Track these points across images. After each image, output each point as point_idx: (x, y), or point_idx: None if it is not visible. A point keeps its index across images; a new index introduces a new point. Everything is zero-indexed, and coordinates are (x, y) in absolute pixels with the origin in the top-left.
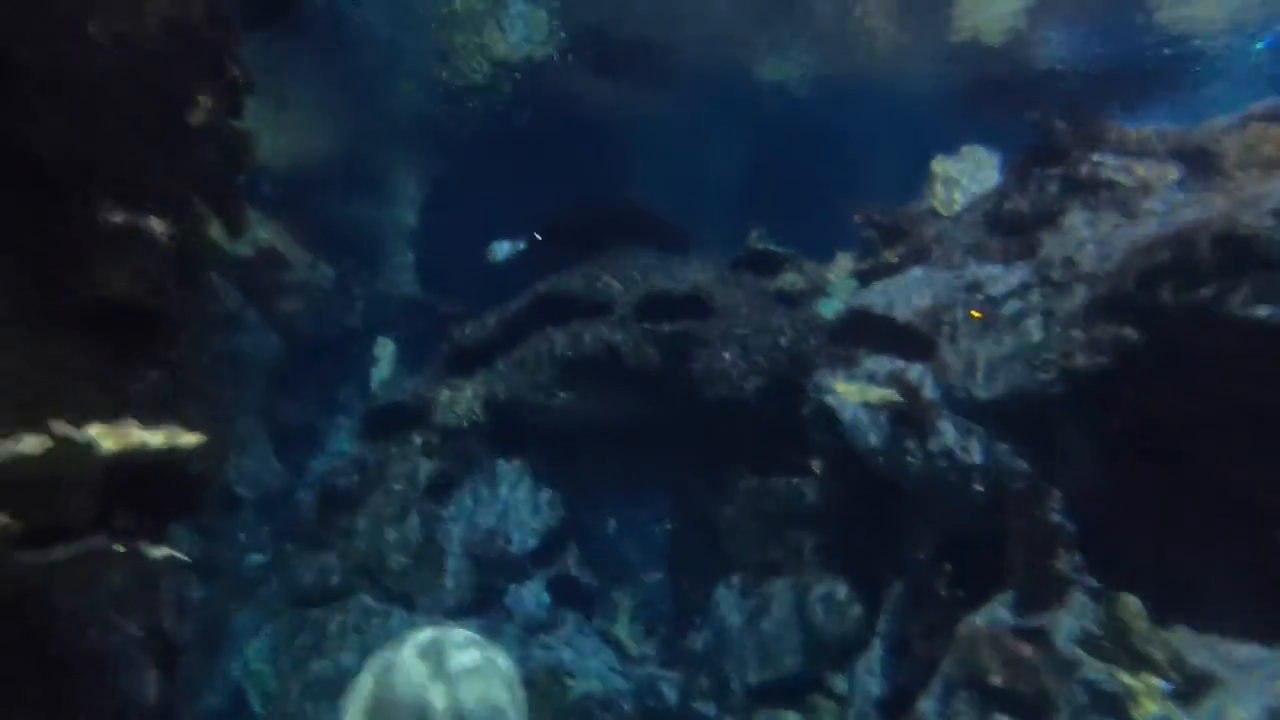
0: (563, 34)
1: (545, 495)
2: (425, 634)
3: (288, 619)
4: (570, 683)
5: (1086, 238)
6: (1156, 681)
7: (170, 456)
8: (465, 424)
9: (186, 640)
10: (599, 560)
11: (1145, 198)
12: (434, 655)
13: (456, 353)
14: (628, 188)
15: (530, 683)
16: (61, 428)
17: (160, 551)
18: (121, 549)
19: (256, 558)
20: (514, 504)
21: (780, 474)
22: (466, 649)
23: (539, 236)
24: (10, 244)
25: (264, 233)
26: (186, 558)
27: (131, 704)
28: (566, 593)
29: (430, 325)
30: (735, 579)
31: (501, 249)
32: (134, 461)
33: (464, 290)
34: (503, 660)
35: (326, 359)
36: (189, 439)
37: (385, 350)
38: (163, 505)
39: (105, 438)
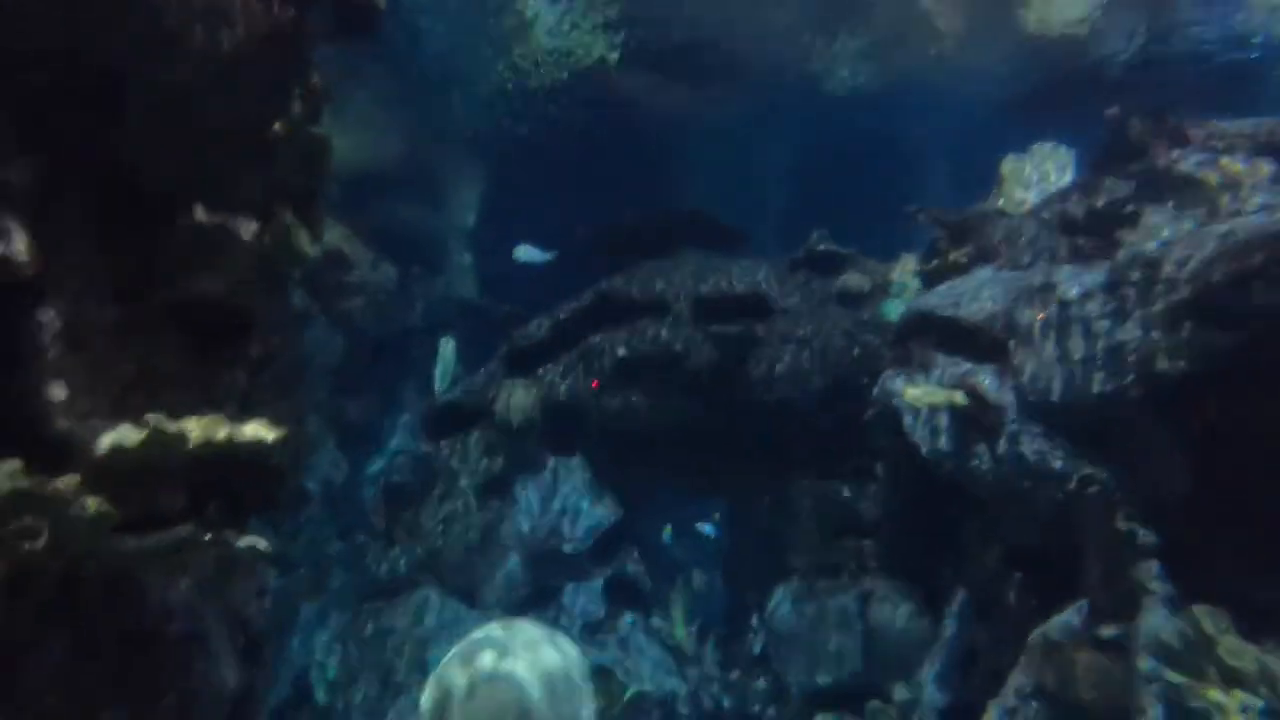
0: (621, 37)
1: (602, 496)
2: (497, 629)
3: (352, 611)
4: (626, 683)
5: (1168, 237)
6: (1249, 698)
7: (255, 450)
8: (523, 424)
9: (267, 629)
10: (655, 561)
11: (1233, 195)
12: (505, 649)
13: (515, 353)
14: (687, 191)
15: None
16: (157, 420)
17: (245, 541)
18: (209, 537)
19: (326, 550)
20: (571, 504)
21: (841, 479)
22: (540, 644)
23: (558, 252)
24: (108, 247)
25: (329, 234)
26: (269, 547)
27: (214, 688)
28: (622, 593)
29: (488, 327)
30: (793, 582)
31: (526, 253)
32: (221, 454)
33: (522, 293)
34: (572, 650)
35: (388, 358)
36: (273, 433)
37: (446, 349)
38: (246, 497)
39: (196, 430)
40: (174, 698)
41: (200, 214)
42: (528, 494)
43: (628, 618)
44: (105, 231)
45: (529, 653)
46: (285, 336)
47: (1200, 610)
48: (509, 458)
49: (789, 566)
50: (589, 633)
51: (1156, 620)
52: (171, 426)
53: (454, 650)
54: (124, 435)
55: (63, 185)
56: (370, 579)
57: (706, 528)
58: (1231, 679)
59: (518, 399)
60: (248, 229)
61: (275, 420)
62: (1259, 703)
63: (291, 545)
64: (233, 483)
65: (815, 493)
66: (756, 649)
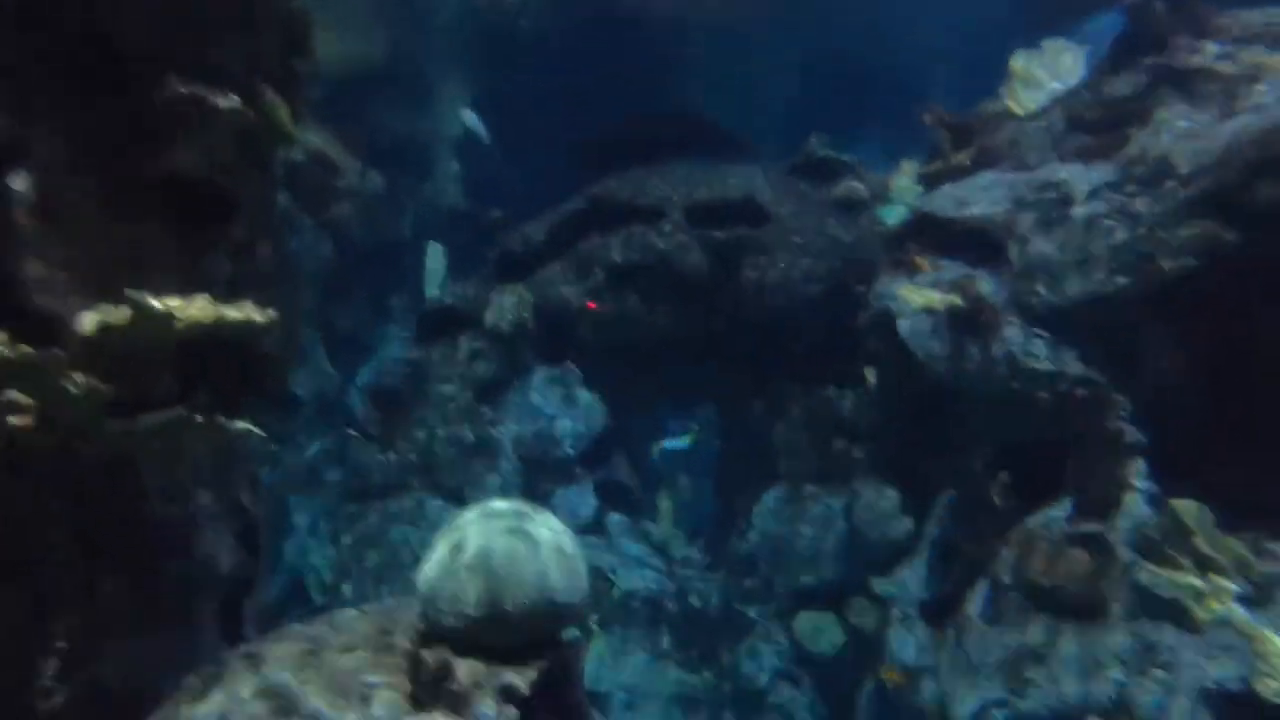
0: None
1: (593, 401)
2: (503, 503)
3: (344, 513)
4: (615, 581)
5: (1183, 131)
6: (1224, 583)
7: (245, 333)
8: (515, 329)
9: (261, 516)
10: (644, 467)
11: (1255, 87)
12: (517, 515)
13: (506, 259)
14: (687, 93)
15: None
16: (141, 298)
17: (237, 426)
18: (201, 421)
19: (315, 447)
20: (563, 409)
21: (832, 385)
22: (543, 517)
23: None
24: (84, 123)
25: (314, 137)
26: (262, 433)
27: (212, 571)
28: (613, 496)
29: (478, 234)
30: (782, 486)
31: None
32: (211, 336)
33: (513, 200)
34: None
35: (377, 267)
36: (263, 316)
37: (436, 257)
38: (238, 384)
39: (183, 310)
40: (173, 578)
41: (178, 84)
42: (519, 399)
43: (617, 521)
44: (80, 102)
45: (536, 521)
46: (271, 222)
47: (1181, 504)
48: (500, 363)
49: (778, 471)
50: (580, 535)
51: (1138, 514)
52: (158, 305)
53: (466, 515)
54: (109, 314)
55: (34, 51)
56: (362, 482)
57: (676, 443)
58: (1206, 567)
59: (508, 305)
60: (228, 102)
61: (267, 304)
62: (1233, 587)
63: (283, 450)
64: (223, 370)
65: (806, 399)
66: (744, 551)
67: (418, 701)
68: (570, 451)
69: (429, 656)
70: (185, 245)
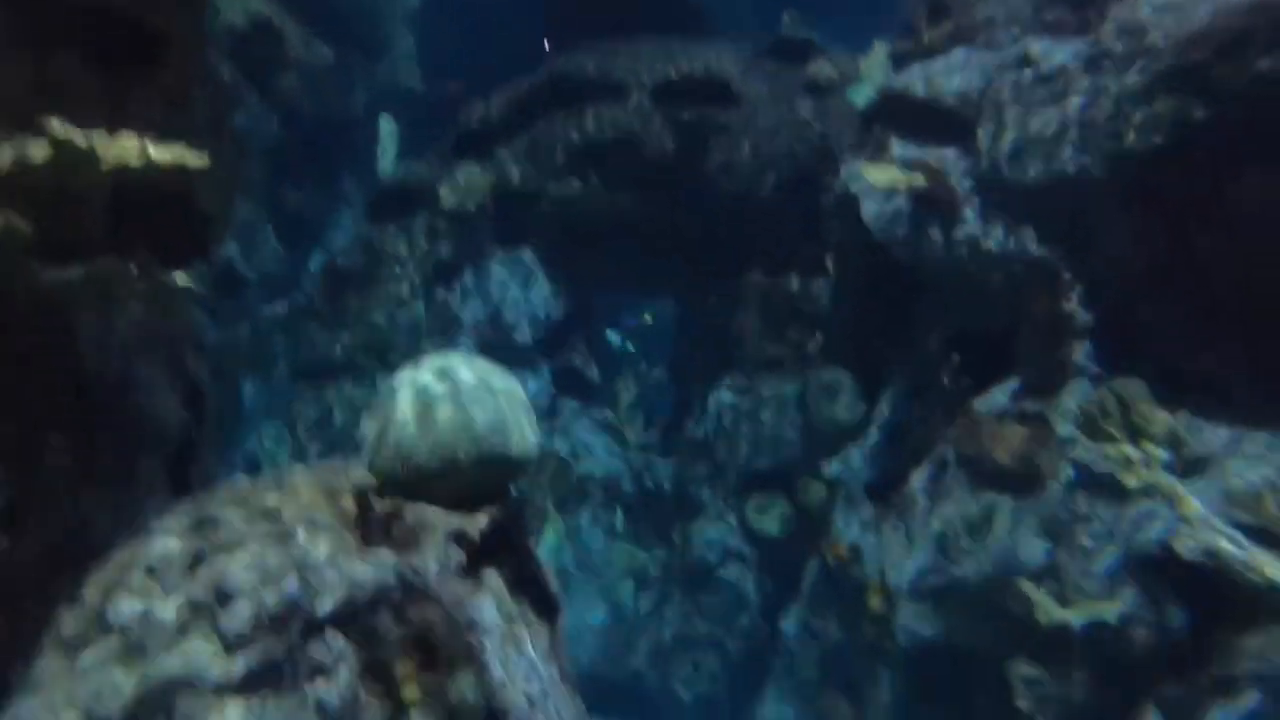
0: None
1: (552, 286)
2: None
3: (298, 397)
4: (571, 464)
5: (1162, 3)
6: (1155, 450)
7: (178, 180)
8: (472, 209)
9: (206, 380)
10: (602, 354)
11: None
12: (446, 371)
13: (464, 135)
14: None
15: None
16: (62, 130)
17: (174, 280)
18: (136, 272)
19: (265, 328)
20: (520, 293)
21: (792, 271)
22: (488, 369)
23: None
24: None
25: (254, 2)
26: (200, 289)
27: (155, 431)
28: (570, 383)
29: (433, 111)
30: (739, 373)
31: None
32: (142, 185)
33: (472, 77)
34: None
35: (328, 146)
36: (195, 159)
37: (389, 132)
38: (174, 238)
39: (109, 149)
40: (113, 437)
41: None
42: (476, 282)
43: (574, 406)
44: None
45: (484, 373)
46: (204, 69)
47: (1123, 381)
48: (457, 244)
49: (736, 359)
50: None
51: (1081, 393)
52: (80, 138)
53: (412, 368)
54: (27, 148)
55: None
56: (315, 363)
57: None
58: (1140, 439)
59: (466, 183)
60: None
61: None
62: (1163, 454)
63: (233, 331)
64: (159, 220)
65: (766, 286)
66: (698, 436)
67: (365, 540)
68: (528, 337)
69: (376, 502)
70: (110, 85)
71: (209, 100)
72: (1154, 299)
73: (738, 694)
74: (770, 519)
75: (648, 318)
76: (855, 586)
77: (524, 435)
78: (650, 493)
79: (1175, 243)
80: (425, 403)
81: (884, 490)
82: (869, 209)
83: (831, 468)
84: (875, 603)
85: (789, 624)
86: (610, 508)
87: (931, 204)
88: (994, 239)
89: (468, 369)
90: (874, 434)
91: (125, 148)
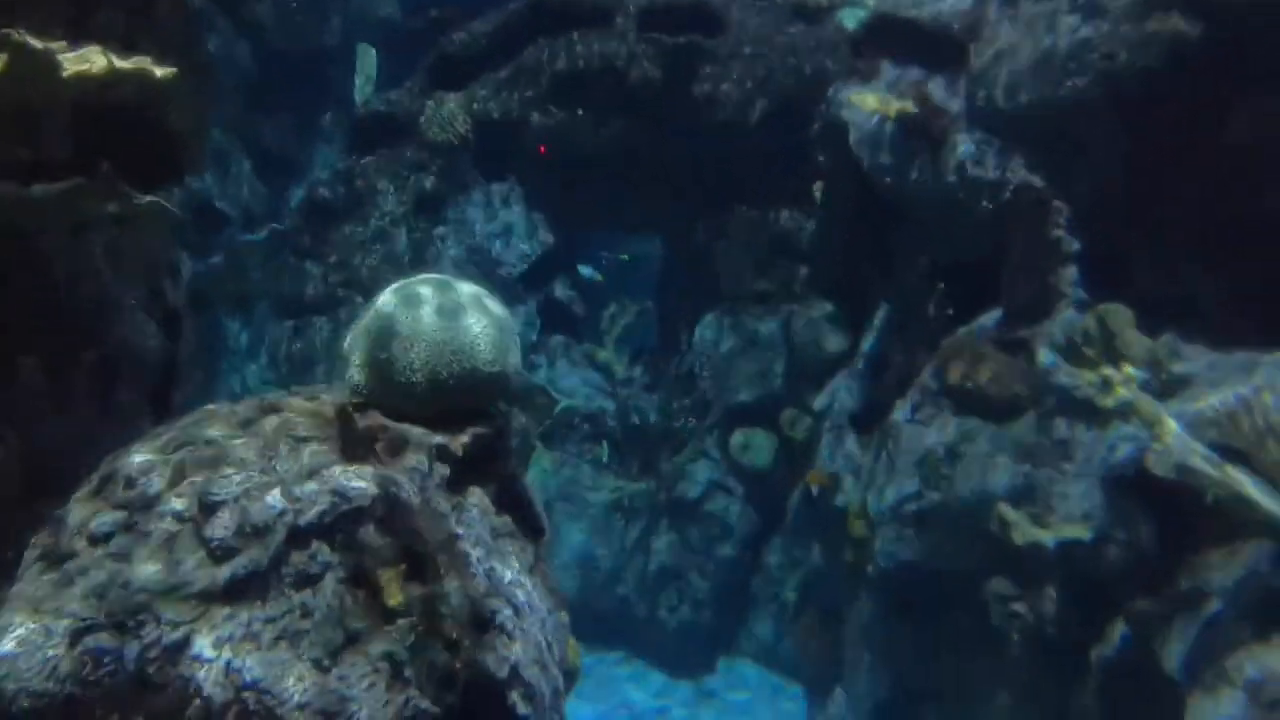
0: None
1: (536, 219)
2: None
3: (282, 331)
4: (557, 398)
5: None
6: (1133, 371)
7: (146, 97)
8: (454, 140)
9: (184, 305)
10: (588, 288)
11: None
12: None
13: (444, 63)
14: None
15: (517, 396)
16: (19, 36)
17: (145, 200)
18: (104, 192)
19: (246, 263)
20: (504, 226)
21: (779, 204)
22: (469, 287)
23: None
24: None
25: None
26: (173, 212)
27: (135, 356)
28: (554, 317)
29: (412, 41)
30: (724, 307)
31: None
32: (106, 98)
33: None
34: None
35: (304, 78)
36: (161, 71)
37: (366, 58)
38: (145, 159)
39: (70, 59)
40: (90, 360)
41: None
42: (459, 215)
43: (559, 341)
44: None
45: (466, 292)
46: None
47: (1107, 307)
48: (439, 176)
49: (722, 293)
50: (521, 355)
51: (1066, 320)
52: (38, 46)
53: (396, 287)
54: None
55: None
56: (298, 297)
57: (644, 255)
58: (1120, 361)
59: (447, 113)
60: None
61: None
62: (1139, 374)
63: (213, 268)
64: (126, 143)
65: (753, 218)
66: (684, 370)
67: (349, 455)
68: (512, 271)
69: (359, 419)
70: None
71: (177, 16)
72: (1142, 224)
73: (722, 621)
74: (756, 452)
75: (624, 258)
76: (837, 514)
77: (507, 353)
78: (636, 427)
79: (1166, 167)
80: (407, 320)
81: (868, 420)
82: (857, 136)
83: (817, 400)
84: (857, 528)
85: (772, 552)
86: (596, 441)
87: (920, 130)
88: (984, 165)
89: (450, 287)
90: (859, 365)
91: (87, 58)
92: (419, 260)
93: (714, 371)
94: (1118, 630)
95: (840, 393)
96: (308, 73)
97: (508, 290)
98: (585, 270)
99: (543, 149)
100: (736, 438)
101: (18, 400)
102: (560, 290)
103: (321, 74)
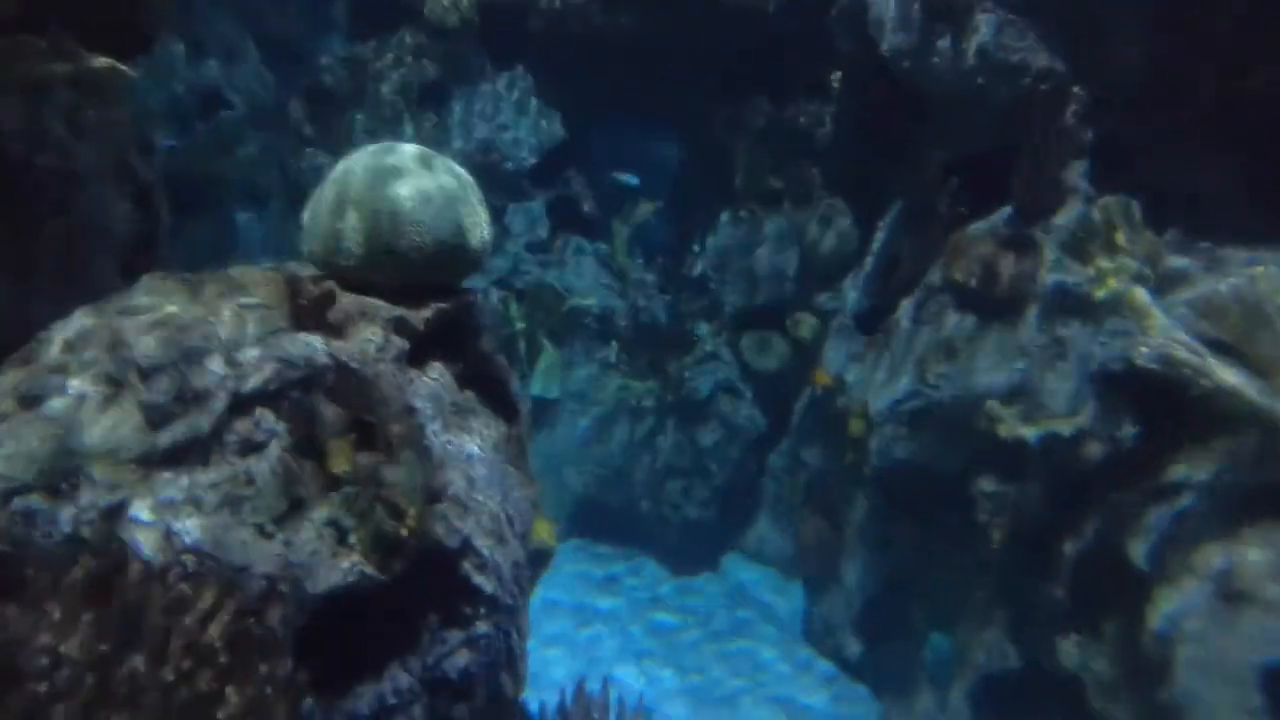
0: None
1: (546, 111)
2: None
3: (293, 225)
4: (565, 296)
5: None
6: (1128, 262)
7: None
8: (459, 24)
9: (157, 179)
10: (600, 185)
11: None
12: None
13: None
14: None
15: (525, 294)
16: None
17: (97, 61)
18: (54, 52)
19: (253, 152)
20: (512, 118)
21: (797, 98)
22: (437, 159)
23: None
24: None
25: None
26: (130, 74)
27: (102, 226)
28: (565, 215)
29: None
30: (739, 207)
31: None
32: None
33: None
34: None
35: None
36: None
37: None
38: (108, 25)
39: None
40: (56, 233)
41: None
42: (465, 105)
43: (570, 240)
44: None
45: (432, 161)
46: None
47: (1110, 200)
48: (444, 64)
49: (737, 192)
50: (530, 252)
51: (1073, 214)
52: None
53: (359, 152)
54: None
55: None
56: (302, 188)
57: (629, 179)
58: (1118, 254)
59: None
60: None
61: None
62: (1133, 264)
63: (223, 162)
64: (83, 5)
65: (768, 112)
66: (697, 272)
67: (300, 325)
68: (522, 165)
69: (313, 289)
70: None
71: None
72: (1156, 114)
73: (728, 520)
74: (765, 354)
75: (628, 180)
76: (839, 414)
77: (468, 225)
78: (646, 327)
79: (1186, 54)
80: (362, 185)
81: (875, 321)
82: (876, 16)
83: (827, 301)
84: (856, 428)
85: (778, 453)
86: (605, 341)
87: (942, 9)
88: (1003, 49)
89: (408, 154)
90: (869, 265)
91: None
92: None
93: (725, 273)
94: (1091, 524)
95: (849, 293)
96: None
97: (516, 186)
98: (624, 177)
99: None
100: (747, 339)
101: None
102: (572, 186)
103: None
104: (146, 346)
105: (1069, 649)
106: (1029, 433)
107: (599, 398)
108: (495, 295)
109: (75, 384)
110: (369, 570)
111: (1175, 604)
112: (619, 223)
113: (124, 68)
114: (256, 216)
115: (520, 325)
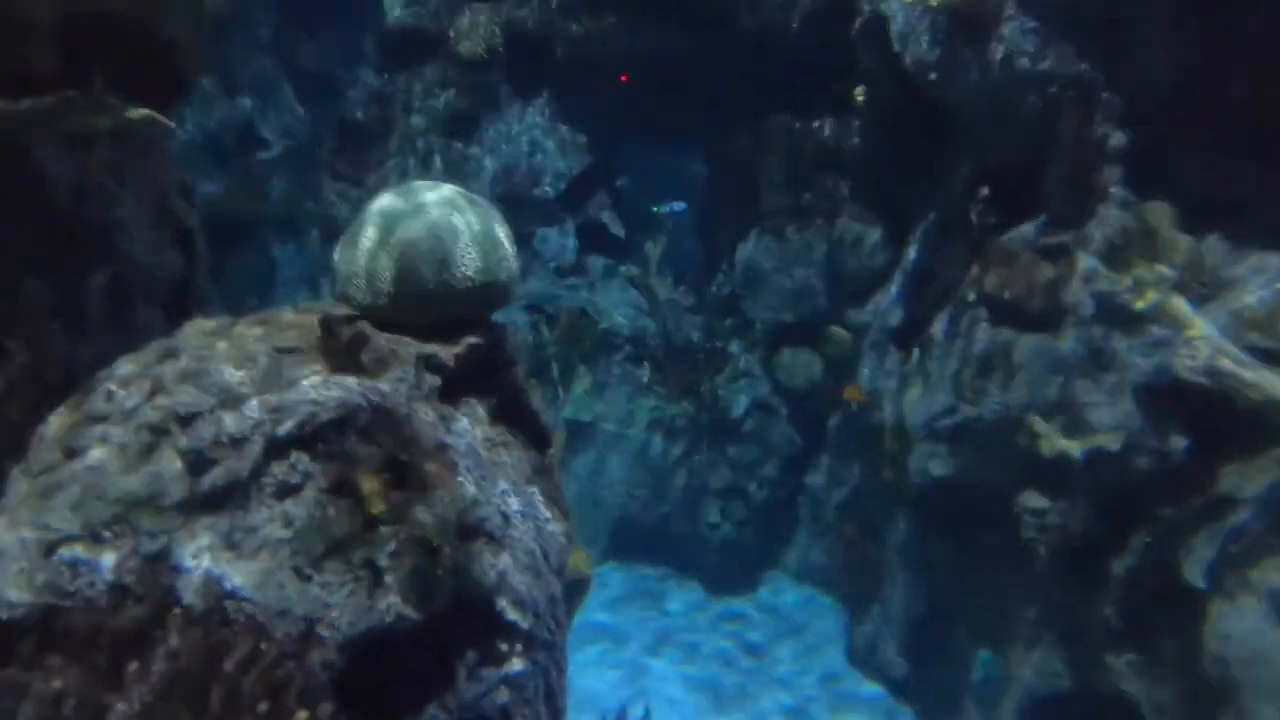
0: None
1: (573, 136)
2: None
3: (327, 255)
4: (597, 318)
5: None
6: (1166, 271)
7: (135, 6)
8: (486, 55)
9: (197, 223)
10: (629, 206)
11: None
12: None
13: None
14: None
15: (557, 318)
16: None
17: (138, 112)
18: (96, 106)
19: (286, 189)
20: (540, 144)
21: (822, 113)
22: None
23: None
24: None
25: None
26: (169, 124)
27: (146, 274)
28: (595, 238)
29: None
30: (767, 224)
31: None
32: (93, 8)
33: None
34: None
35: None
36: None
37: None
38: (142, 74)
39: None
40: (103, 281)
41: None
42: (493, 132)
43: (600, 262)
44: None
45: (461, 200)
46: None
47: (1149, 206)
48: (471, 93)
49: (765, 208)
50: (561, 276)
51: (1110, 222)
52: None
53: (389, 193)
54: None
55: None
56: (336, 219)
57: (675, 206)
58: (1157, 263)
59: (479, 26)
60: None
61: None
62: (1171, 273)
63: (256, 190)
64: (119, 56)
65: (794, 128)
66: (727, 290)
67: (332, 365)
68: (550, 190)
69: (344, 330)
70: None
71: None
72: (1190, 118)
73: (766, 539)
74: (798, 371)
75: (663, 210)
76: (874, 431)
77: (497, 261)
78: (678, 347)
79: (1216, 58)
80: (390, 226)
81: (909, 335)
82: (899, 31)
83: (858, 316)
84: (892, 445)
85: (815, 471)
86: (638, 362)
87: (966, 21)
88: (1029, 58)
89: (438, 193)
90: (901, 279)
91: None
92: (452, 181)
93: (756, 290)
94: (1141, 540)
95: (882, 308)
96: None
97: (546, 211)
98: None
99: (625, 78)
100: (780, 357)
101: (23, 317)
102: (600, 209)
103: None
104: (186, 394)
105: (1122, 669)
106: (1075, 448)
107: (633, 419)
108: (527, 319)
109: (118, 433)
110: (406, 610)
111: (1235, 624)
112: (649, 243)
113: (162, 118)
114: (293, 248)
115: (553, 349)
